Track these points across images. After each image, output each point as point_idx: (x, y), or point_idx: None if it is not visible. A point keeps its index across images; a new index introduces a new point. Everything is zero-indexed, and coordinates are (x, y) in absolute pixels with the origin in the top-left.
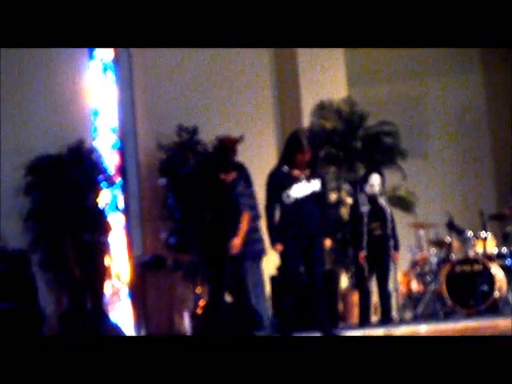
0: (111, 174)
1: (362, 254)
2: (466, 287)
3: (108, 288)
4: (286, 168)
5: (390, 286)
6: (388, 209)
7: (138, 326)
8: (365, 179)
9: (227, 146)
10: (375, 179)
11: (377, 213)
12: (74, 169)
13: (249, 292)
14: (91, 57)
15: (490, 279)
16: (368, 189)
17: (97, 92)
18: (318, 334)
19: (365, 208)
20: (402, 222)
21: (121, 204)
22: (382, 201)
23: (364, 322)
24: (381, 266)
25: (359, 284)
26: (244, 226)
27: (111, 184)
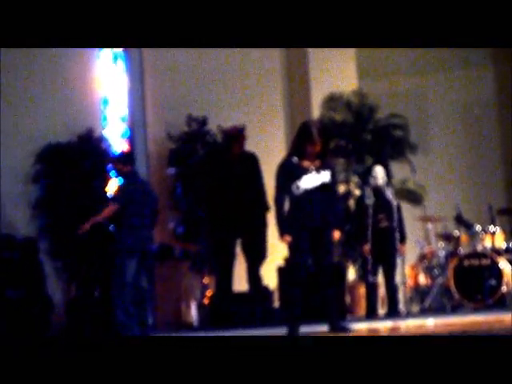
0: None
1: (367, 246)
2: (474, 281)
3: None
4: (295, 159)
5: (398, 279)
6: (394, 201)
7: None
8: (368, 171)
9: (231, 137)
10: (378, 171)
11: (382, 205)
12: (84, 157)
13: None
14: None
15: (498, 273)
16: (372, 181)
17: (107, 81)
18: (325, 326)
19: (370, 200)
20: (410, 215)
21: None
22: (389, 193)
23: (371, 314)
24: (387, 258)
25: (365, 276)
26: (102, 214)
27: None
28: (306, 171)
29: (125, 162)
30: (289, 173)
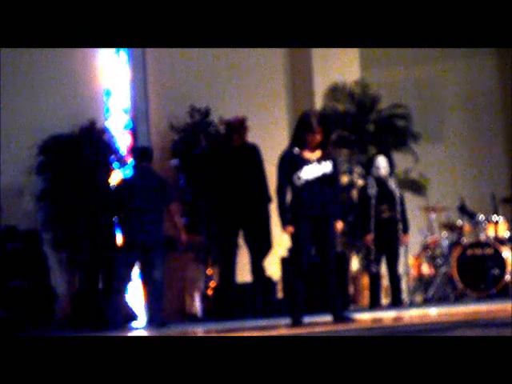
0: (123, 154)
1: (370, 236)
2: (477, 271)
3: None
4: (296, 149)
5: (401, 268)
6: (397, 191)
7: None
8: (371, 162)
9: (233, 128)
10: (381, 161)
11: (385, 195)
12: (86, 149)
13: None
14: None
15: (501, 263)
16: (374, 171)
17: (109, 72)
18: (328, 317)
19: (373, 190)
20: (413, 205)
21: None
22: (391, 183)
23: (374, 304)
24: (390, 248)
25: (368, 267)
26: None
27: (123, 165)
28: (307, 162)
29: (141, 157)
30: (290, 163)
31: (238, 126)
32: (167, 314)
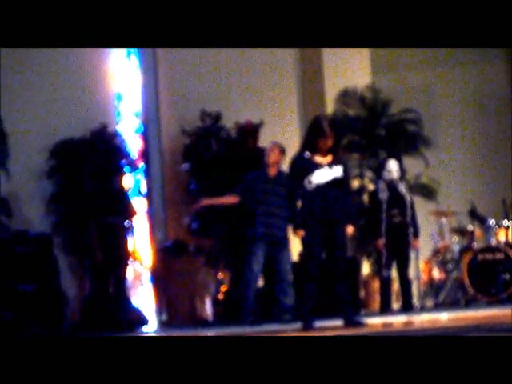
0: (134, 158)
1: (381, 241)
2: (488, 275)
3: (130, 272)
4: (307, 154)
5: (412, 273)
6: (408, 196)
7: (159, 310)
8: (382, 165)
9: (247, 132)
10: (392, 165)
11: (396, 200)
12: (97, 153)
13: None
14: None
15: None
16: (386, 175)
17: (120, 76)
18: (339, 321)
19: (384, 195)
20: (424, 209)
21: (143, 189)
22: (402, 188)
23: (385, 309)
24: (400, 253)
25: (379, 271)
26: (218, 199)
27: (134, 169)
28: (318, 166)
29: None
30: (301, 168)
31: (252, 131)
32: (178, 318)
